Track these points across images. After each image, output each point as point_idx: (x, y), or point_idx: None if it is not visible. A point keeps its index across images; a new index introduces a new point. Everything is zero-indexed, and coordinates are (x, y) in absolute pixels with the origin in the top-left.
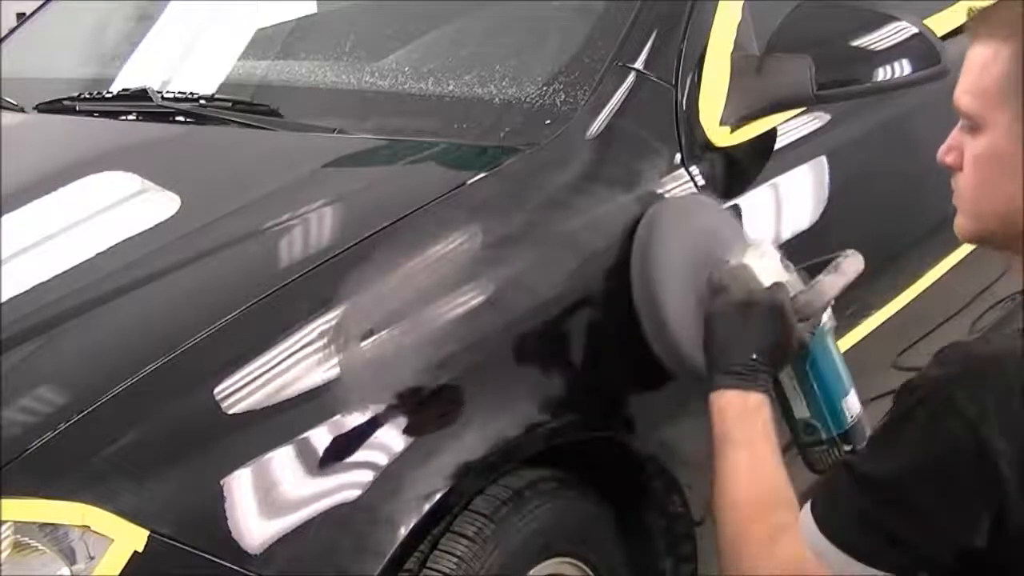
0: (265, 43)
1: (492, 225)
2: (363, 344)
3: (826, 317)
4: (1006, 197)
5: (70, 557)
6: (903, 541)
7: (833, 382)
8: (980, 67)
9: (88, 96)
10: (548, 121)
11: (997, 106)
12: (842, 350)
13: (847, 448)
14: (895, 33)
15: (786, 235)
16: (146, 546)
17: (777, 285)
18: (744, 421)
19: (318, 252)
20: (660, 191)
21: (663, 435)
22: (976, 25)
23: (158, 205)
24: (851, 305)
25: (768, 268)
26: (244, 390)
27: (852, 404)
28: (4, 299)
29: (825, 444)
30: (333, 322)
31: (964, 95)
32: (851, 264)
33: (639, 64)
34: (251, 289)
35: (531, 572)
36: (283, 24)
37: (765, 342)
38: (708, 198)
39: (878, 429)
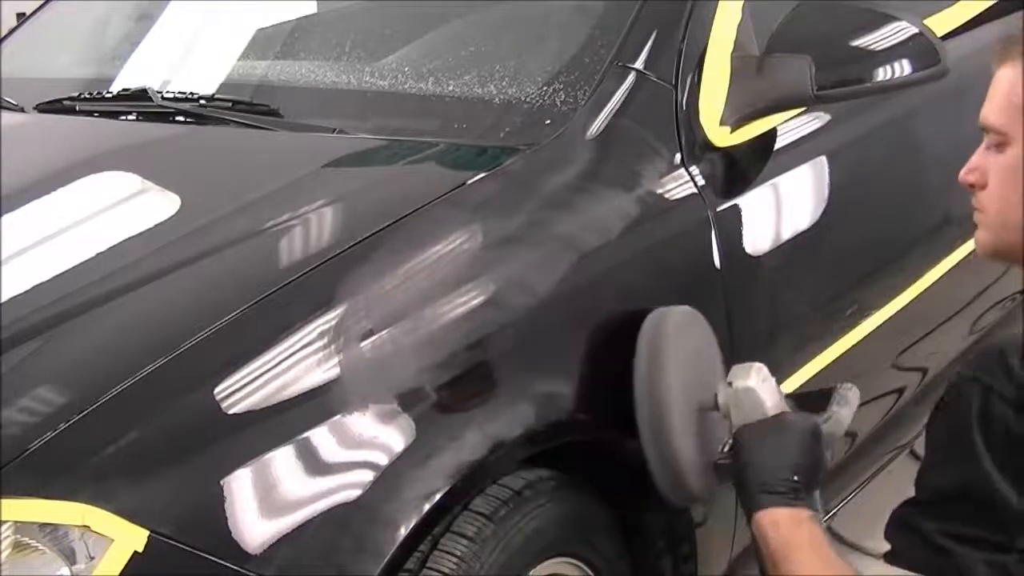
0: (265, 43)
1: (492, 225)
2: (363, 344)
3: None
4: None
5: (70, 557)
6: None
7: None
8: (1009, 86)
9: (88, 96)
10: (548, 121)
11: None
12: (842, 350)
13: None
14: (895, 33)
15: (786, 235)
16: (146, 546)
17: (798, 412)
18: (801, 528)
19: (318, 252)
20: (660, 191)
21: None
22: (1004, 49)
23: (158, 205)
24: (851, 305)
25: (770, 393)
26: (244, 390)
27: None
28: (4, 299)
29: None
30: (333, 322)
31: (992, 112)
32: (854, 396)
33: (639, 64)
34: (251, 289)
35: (531, 572)
36: (283, 24)
37: (804, 463)
38: (694, 312)
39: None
